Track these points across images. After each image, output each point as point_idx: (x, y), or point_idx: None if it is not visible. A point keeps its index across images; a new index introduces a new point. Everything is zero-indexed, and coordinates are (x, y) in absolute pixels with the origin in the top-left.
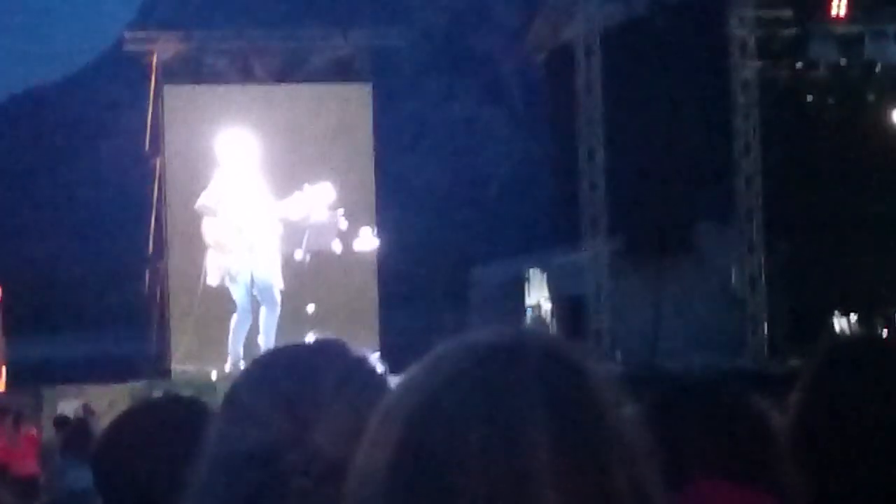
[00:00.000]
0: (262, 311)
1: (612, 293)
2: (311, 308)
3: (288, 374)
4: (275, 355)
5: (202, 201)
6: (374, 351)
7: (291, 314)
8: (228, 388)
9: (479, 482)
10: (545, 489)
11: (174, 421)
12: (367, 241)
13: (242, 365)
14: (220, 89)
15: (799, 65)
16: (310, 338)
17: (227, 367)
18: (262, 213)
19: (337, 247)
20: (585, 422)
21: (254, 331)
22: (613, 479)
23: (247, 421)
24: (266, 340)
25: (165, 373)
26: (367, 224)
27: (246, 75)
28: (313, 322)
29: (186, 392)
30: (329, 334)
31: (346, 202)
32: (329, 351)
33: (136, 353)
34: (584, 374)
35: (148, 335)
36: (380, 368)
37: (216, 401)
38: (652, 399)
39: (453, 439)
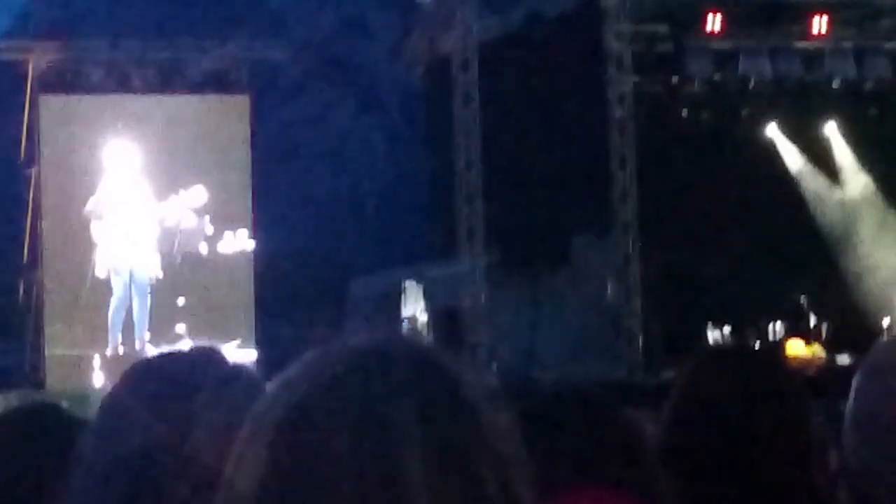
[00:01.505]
0: (136, 302)
1: (489, 305)
2: (181, 301)
3: (164, 380)
4: (151, 363)
5: (89, 206)
6: (250, 357)
7: (164, 307)
8: (105, 395)
9: (350, 487)
10: (416, 494)
11: (38, 430)
12: (238, 246)
13: (122, 350)
14: (98, 99)
15: (674, 79)
16: (180, 329)
17: (108, 352)
18: (143, 215)
19: (203, 249)
20: (457, 427)
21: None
22: (485, 486)
23: (124, 427)
24: (139, 329)
25: (39, 384)
26: (242, 231)
27: (123, 85)
28: (184, 315)
29: (60, 402)
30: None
31: (221, 210)
32: (205, 358)
33: (10, 364)
34: (456, 380)
35: (22, 346)
36: (255, 376)
37: (89, 411)
38: (526, 408)
39: (325, 443)
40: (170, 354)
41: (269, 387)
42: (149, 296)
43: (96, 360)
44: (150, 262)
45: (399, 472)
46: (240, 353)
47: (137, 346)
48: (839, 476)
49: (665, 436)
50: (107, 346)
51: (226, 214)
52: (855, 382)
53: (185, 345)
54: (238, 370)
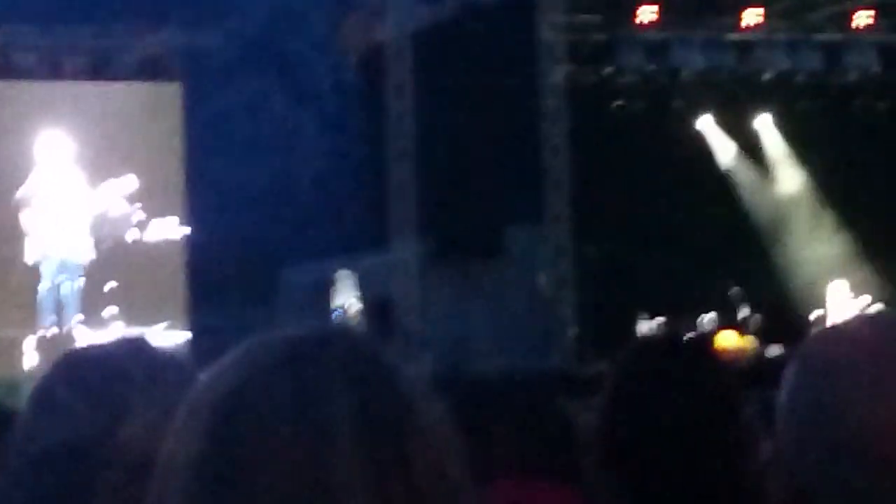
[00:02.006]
0: (66, 285)
1: (421, 295)
2: (111, 285)
3: (97, 369)
4: (83, 352)
5: (20, 194)
6: (180, 339)
7: (95, 290)
8: (36, 384)
9: (284, 475)
10: (350, 481)
11: None
12: (168, 233)
13: (52, 332)
14: (28, 86)
15: (607, 70)
16: (111, 311)
17: (39, 333)
18: (73, 203)
19: (133, 236)
20: (391, 416)
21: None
22: (418, 474)
23: (55, 416)
24: (70, 311)
25: None
26: (172, 218)
27: (55, 72)
28: (114, 298)
29: None
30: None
31: (153, 197)
32: (137, 347)
33: None
34: (390, 369)
35: None
36: (187, 365)
37: (20, 399)
38: (460, 398)
39: (259, 432)
40: (100, 345)
41: (205, 374)
42: (79, 279)
43: (27, 342)
44: (81, 247)
45: (333, 461)
46: (168, 336)
47: (68, 328)
48: (770, 466)
49: (596, 426)
50: (37, 329)
51: (157, 202)
52: (787, 373)
53: (115, 327)
54: (170, 359)
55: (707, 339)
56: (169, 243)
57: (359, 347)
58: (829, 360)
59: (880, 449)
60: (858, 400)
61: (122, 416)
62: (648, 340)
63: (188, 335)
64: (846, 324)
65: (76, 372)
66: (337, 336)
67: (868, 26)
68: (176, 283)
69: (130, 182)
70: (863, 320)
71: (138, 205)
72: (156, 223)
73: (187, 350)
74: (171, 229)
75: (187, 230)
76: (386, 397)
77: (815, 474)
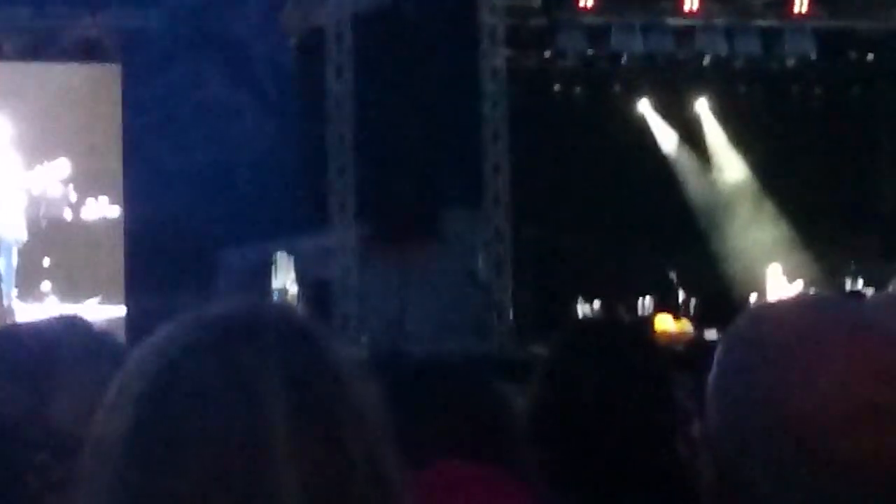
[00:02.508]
0: (1, 261)
1: (359, 277)
2: (46, 261)
3: (28, 348)
4: (14, 330)
5: None
6: (114, 314)
7: (30, 267)
8: None
9: (216, 452)
10: (282, 461)
11: None
12: (102, 213)
13: None
14: None
15: (547, 54)
16: (46, 287)
17: None
18: (9, 184)
19: (68, 216)
20: (323, 395)
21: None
22: (350, 454)
23: None
24: (6, 286)
25: None
26: (111, 201)
27: None
28: (49, 274)
29: None
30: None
31: (90, 178)
32: (69, 326)
33: None
34: (324, 349)
35: None
36: (119, 344)
37: None
38: (395, 381)
39: (190, 410)
40: (32, 322)
41: (136, 350)
42: (14, 256)
43: None
44: (16, 225)
45: (264, 439)
46: (102, 310)
47: (4, 303)
48: (701, 446)
49: (532, 409)
50: None
51: (95, 182)
52: (718, 351)
53: (50, 302)
54: (102, 338)
55: (644, 322)
56: (107, 223)
57: (292, 326)
58: (758, 340)
59: (807, 430)
60: (787, 381)
61: (52, 397)
62: (584, 323)
63: (123, 309)
64: (777, 304)
65: (8, 351)
66: (270, 314)
67: (806, 12)
68: (114, 262)
69: (64, 166)
70: (793, 301)
71: (72, 185)
72: (93, 203)
73: (123, 331)
74: (109, 209)
75: (124, 210)
76: (319, 377)
77: (743, 455)
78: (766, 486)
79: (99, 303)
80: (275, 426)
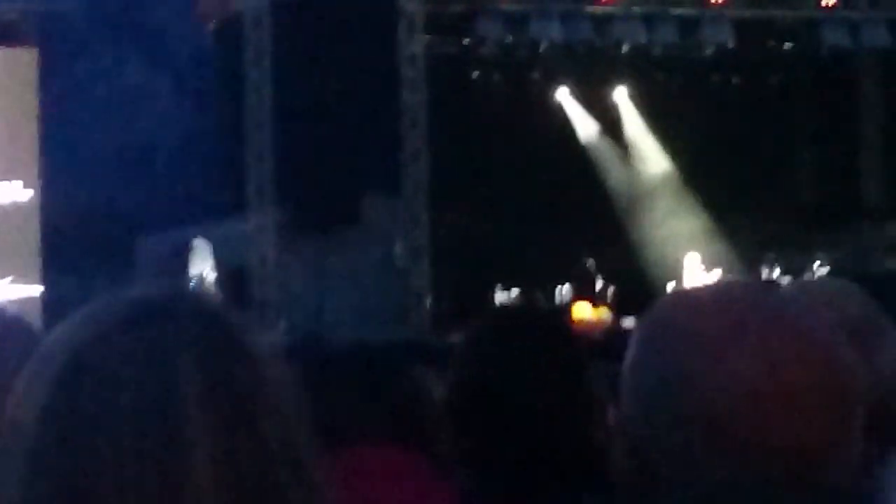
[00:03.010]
0: None
1: (278, 264)
2: None
3: None
4: None
5: None
6: (28, 293)
7: None
8: None
9: (130, 436)
10: (196, 446)
11: None
12: (22, 196)
13: None
14: None
15: (466, 41)
16: None
17: None
18: None
19: None
20: (238, 381)
21: None
22: (265, 439)
23: None
24: None
25: None
26: (25, 185)
27: None
28: None
29: None
30: None
31: (8, 161)
32: None
33: None
34: (239, 335)
35: None
36: (33, 329)
37: None
38: (312, 367)
39: (103, 393)
40: None
41: (51, 333)
42: None
43: None
44: None
45: (179, 424)
46: (14, 289)
47: None
48: (615, 432)
49: (450, 395)
50: None
51: (13, 166)
52: (632, 337)
53: None
54: (15, 321)
55: (562, 310)
56: (23, 206)
57: (206, 311)
58: (673, 327)
59: (718, 416)
60: (699, 367)
61: None
62: (502, 311)
63: (38, 288)
64: (692, 292)
65: None
66: (184, 299)
67: (724, 1)
68: (27, 246)
69: None
70: (708, 289)
71: None
72: (9, 186)
73: (39, 315)
74: (26, 192)
75: (41, 194)
76: (233, 362)
77: (655, 441)
78: (676, 471)
79: (12, 282)
80: (188, 411)
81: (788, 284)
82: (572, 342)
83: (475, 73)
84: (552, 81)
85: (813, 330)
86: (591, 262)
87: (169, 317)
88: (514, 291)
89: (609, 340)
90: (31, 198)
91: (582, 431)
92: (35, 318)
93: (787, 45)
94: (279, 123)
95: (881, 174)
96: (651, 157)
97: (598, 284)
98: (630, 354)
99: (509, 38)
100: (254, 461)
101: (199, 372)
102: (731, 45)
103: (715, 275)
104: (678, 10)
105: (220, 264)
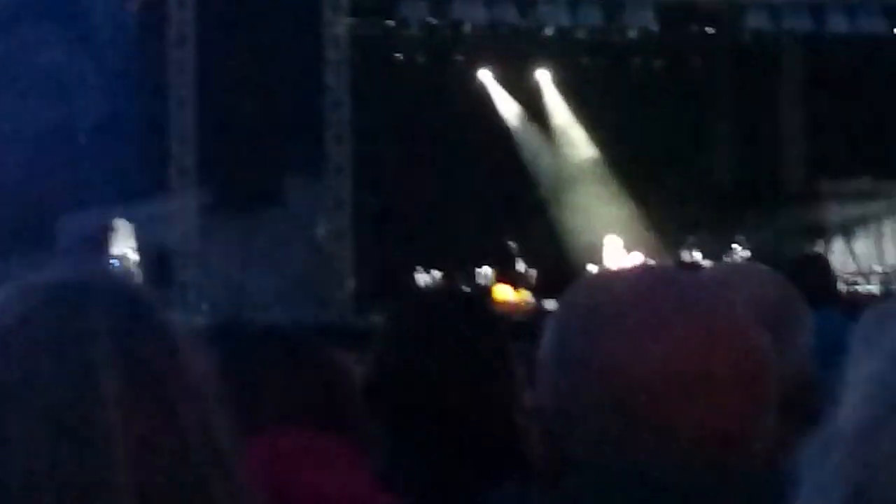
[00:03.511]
0: None
1: (200, 244)
2: None
3: None
4: None
5: None
6: None
7: None
8: None
9: (44, 419)
10: (112, 427)
11: None
12: None
13: None
14: None
15: (389, 22)
16: None
17: None
18: None
19: None
20: (155, 362)
21: None
22: (182, 421)
23: None
24: None
25: None
26: None
27: None
28: None
29: None
30: None
31: None
32: None
33: None
34: (155, 316)
35: None
36: None
37: None
38: (233, 349)
39: (21, 378)
40: None
41: None
42: None
43: None
44: None
45: (95, 406)
46: None
47: None
48: (532, 416)
49: (370, 378)
50: None
51: None
52: (550, 320)
53: None
54: None
55: (484, 292)
56: None
57: (123, 294)
58: (591, 310)
59: (636, 399)
60: (617, 350)
61: None
62: (423, 293)
63: None
64: (610, 275)
65: None
66: (103, 281)
67: None
68: None
69: None
70: (626, 272)
71: None
72: None
73: None
74: None
75: None
76: (150, 345)
77: (572, 423)
78: (592, 455)
79: None
80: (107, 393)
81: (708, 268)
82: (493, 324)
83: (398, 55)
84: (475, 63)
85: (727, 314)
86: (513, 245)
87: (86, 302)
88: (436, 273)
89: (530, 322)
90: None
91: (504, 414)
92: None
93: (710, 29)
94: (202, 104)
95: (801, 158)
96: (573, 139)
97: (520, 267)
98: (547, 338)
99: (432, 20)
100: (171, 445)
101: (115, 357)
102: (654, 28)
103: (634, 257)
104: None
105: (141, 245)
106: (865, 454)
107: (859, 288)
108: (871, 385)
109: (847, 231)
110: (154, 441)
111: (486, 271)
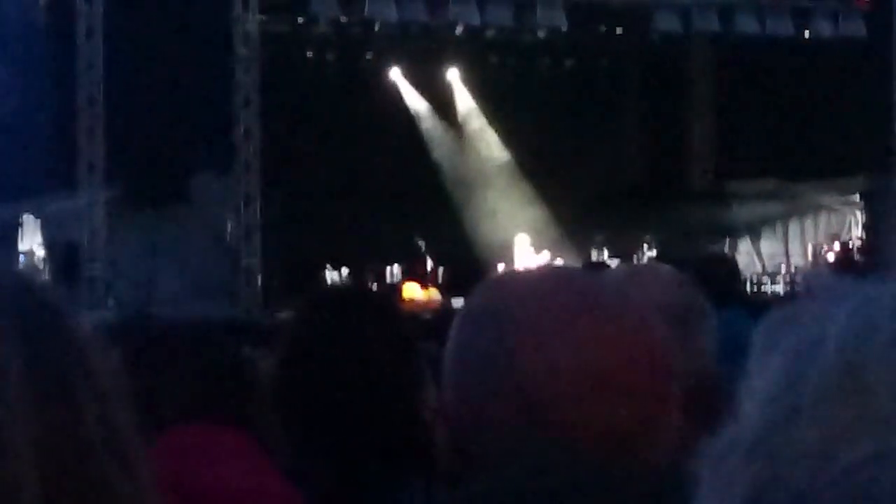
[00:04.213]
0: None
1: (108, 241)
2: None
3: None
4: None
5: None
6: None
7: None
8: None
9: None
10: (15, 425)
11: None
12: None
13: None
14: None
15: (300, 20)
16: None
17: None
18: None
19: None
20: (57, 357)
21: None
22: (84, 416)
23: None
24: None
25: None
26: None
27: None
28: None
29: None
30: None
31: None
32: None
33: None
34: (59, 310)
35: None
36: None
37: None
38: (139, 344)
39: None
40: None
41: None
42: None
43: None
44: None
45: None
46: None
47: None
48: (437, 414)
49: (276, 375)
50: None
51: None
52: (455, 320)
53: None
54: None
55: (391, 290)
56: None
57: (26, 290)
58: (495, 309)
59: (538, 398)
60: (521, 350)
61: None
62: (330, 290)
63: None
64: (514, 274)
65: None
66: (6, 276)
67: None
68: None
69: None
70: (531, 272)
71: None
72: None
73: None
74: None
75: None
76: (55, 343)
77: (475, 422)
78: (497, 453)
79: None
80: (8, 390)
81: (615, 268)
82: (401, 322)
83: (309, 52)
84: (386, 61)
85: (630, 315)
86: (421, 243)
87: None
88: (344, 271)
89: (438, 321)
90: None
91: (409, 412)
92: None
93: (619, 30)
94: (111, 100)
95: (708, 157)
96: (483, 138)
97: (429, 265)
98: (452, 335)
99: (343, 17)
100: (75, 444)
101: (16, 351)
102: (564, 28)
103: (543, 256)
104: None
105: (49, 240)
106: (766, 455)
107: (765, 288)
108: (773, 385)
109: (754, 231)
110: (57, 442)
111: (394, 269)
